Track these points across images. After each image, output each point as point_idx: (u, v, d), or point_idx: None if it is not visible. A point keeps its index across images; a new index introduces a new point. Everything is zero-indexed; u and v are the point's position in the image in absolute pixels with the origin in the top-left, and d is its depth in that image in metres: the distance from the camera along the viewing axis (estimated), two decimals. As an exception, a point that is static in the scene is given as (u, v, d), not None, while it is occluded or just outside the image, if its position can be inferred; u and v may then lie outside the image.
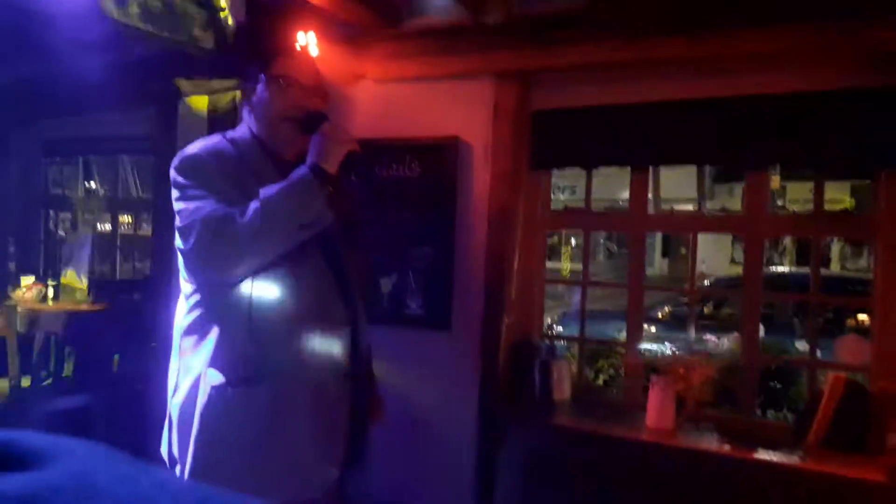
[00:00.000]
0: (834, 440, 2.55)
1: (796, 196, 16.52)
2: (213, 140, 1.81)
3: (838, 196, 14.82)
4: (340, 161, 1.71)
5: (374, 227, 3.24)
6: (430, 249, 3.18)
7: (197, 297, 1.73)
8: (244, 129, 1.85)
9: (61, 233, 5.65)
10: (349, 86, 3.36)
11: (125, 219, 5.50)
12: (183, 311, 1.77)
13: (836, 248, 16.85)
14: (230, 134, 1.85)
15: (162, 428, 1.81)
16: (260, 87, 1.81)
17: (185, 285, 1.75)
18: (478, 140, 3.09)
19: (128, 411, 3.34)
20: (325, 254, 1.76)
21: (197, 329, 1.72)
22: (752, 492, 2.45)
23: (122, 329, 3.74)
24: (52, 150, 5.19)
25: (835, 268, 15.61)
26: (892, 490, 2.25)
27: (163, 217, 3.61)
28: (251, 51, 1.99)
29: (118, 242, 5.12)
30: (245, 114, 1.86)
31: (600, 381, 4.22)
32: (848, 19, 2.39)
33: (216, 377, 1.66)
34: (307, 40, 3.02)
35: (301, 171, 1.68)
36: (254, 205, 1.61)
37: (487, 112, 3.06)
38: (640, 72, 2.85)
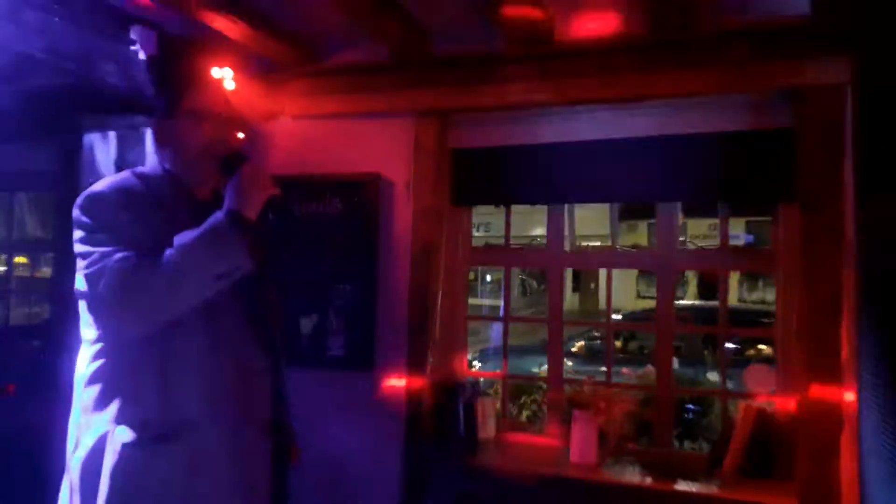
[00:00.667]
0: (748, 468, 2.64)
1: (696, 232, 17.45)
2: (122, 177, 1.70)
3: (735, 231, 15.76)
4: (261, 207, 1.63)
5: (292, 265, 3.16)
6: (351, 288, 3.12)
7: (101, 345, 1.60)
8: (155, 164, 1.75)
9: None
10: (266, 122, 3.30)
11: (21, 259, 5.13)
12: (85, 360, 1.62)
13: (733, 281, 17.83)
14: (140, 170, 1.74)
15: (58, 483, 1.65)
16: (171, 122, 1.72)
17: (88, 332, 1.62)
18: (399, 177, 3.09)
19: (23, 467, 3.07)
20: (239, 296, 1.67)
21: (101, 379, 1.59)
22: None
23: (18, 378, 3.45)
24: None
25: (733, 300, 16.50)
26: (802, 513, 2.35)
27: (64, 258, 3.40)
28: (160, 84, 1.90)
29: (13, 285, 4.76)
30: (155, 149, 1.76)
31: (524, 417, 4.23)
32: (748, 64, 2.56)
33: (126, 434, 1.53)
34: (222, 75, 2.95)
35: (218, 217, 1.57)
36: (168, 253, 1.51)
37: (408, 149, 3.06)
38: (557, 112, 2.94)
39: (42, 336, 3.77)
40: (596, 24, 2.74)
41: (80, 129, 3.27)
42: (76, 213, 1.60)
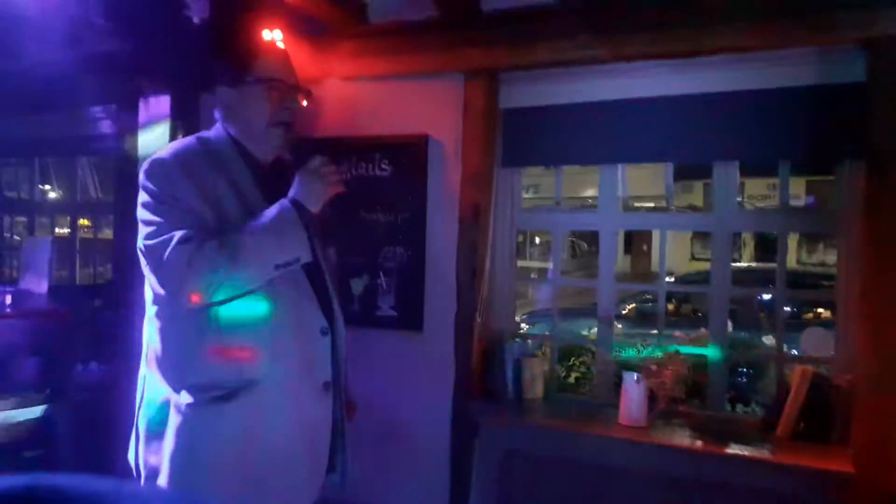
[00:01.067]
0: (802, 432, 2.59)
1: (754, 192, 16.90)
2: (186, 143, 1.72)
3: (795, 192, 15.20)
4: (325, 201, 1.67)
5: (343, 227, 3.20)
6: (401, 249, 3.15)
7: (163, 307, 1.65)
8: (220, 130, 1.76)
9: (17, 237, 5.45)
10: (315, 84, 3.31)
11: (84, 222, 5.33)
12: (150, 316, 1.69)
13: (792, 243, 17.28)
14: (204, 135, 1.76)
15: (127, 436, 1.74)
16: (237, 90, 1.71)
17: (151, 293, 1.67)
18: (448, 138, 3.07)
19: (92, 419, 3.24)
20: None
21: (164, 339, 1.64)
22: (725, 486, 2.48)
23: (83, 336, 3.62)
24: (5, 151, 5.00)
25: (792, 262, 16.02)
26: (857, 479, 2.30)
27: (125, 221, 3.52)
28: (225, 52, 1.90)
29: (77, 247, 4.96)
30: (218, 115, 1.77)
31: (572, 380, 4.23)
32: (809, 16, 2.44)
33: (187, 396, 1.59)
34: (273, 37, 2.97)
35: (284, 207, 1.60)
36: (231, 238, 1.54)
37: (457, 110, 3.04)
38: (610, 69, 2.86)
39: (105, 296, 3.93)
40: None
41: (138, 93, 3.35)
42: (141, 178, 1.63)
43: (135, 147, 3.16)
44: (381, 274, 3.19)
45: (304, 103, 1.80)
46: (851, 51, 2.49)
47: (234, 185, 1.66)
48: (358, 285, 3.24)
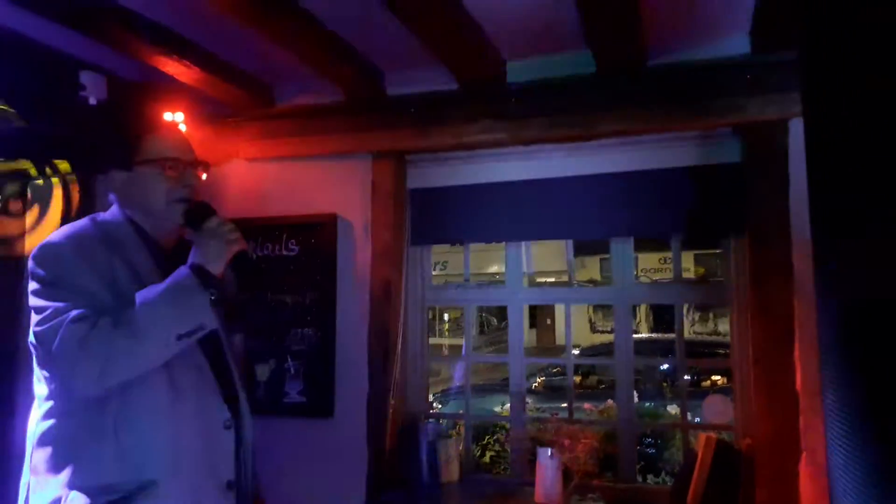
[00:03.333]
0: (710, 499, 2.65)
1: (647, 266, 17.79)
2: (80, 225, 1.64)
3: (685, 265, 16.12)
4: (227, 262, 1.59)
5: (248, 310, 3.10)
6: (309, 331, 3.07)
7: (53, 402, 1.52)
8: (116, 212, 1.68)
9: None
10: (220, 165, 3.26)
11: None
12: (36, 418, 1.54)
13: (685, 314, 18.13)
14: (101, 217, 1.68)
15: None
16: (132, 172, 1.65)
17: (40, 388, 1.54)
18: (357, 217, 3.08)
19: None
20: (202, 347, 1.61)
21: (53, 439, 1.50)
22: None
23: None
24: None
25: (687, 333, 16.77)
26: (765, 543, 2.36)
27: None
28: (117, 133, 1.85)
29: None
30: (113, 198, 1.70)
31: (487, 458, 4.19)
32: (687, 103, 2.66)
33: (80, 500, 1.44)
34: (174, 119, 2.93)
35: (182, 273, 1.52)
36: (127, 313, 1.45)
37: (365, 190, 3.06)
38: (511, 151, 2.99)
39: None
40: (542, 67, 2.81)
41: (27, 176, 3.17)
42: (31, 264, 1.53)
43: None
44: (289, 358, 3.09)
45: (203, 177, 1.75)
46: (729, 134, 2.71)
47: (132, 267, 1.58)
48: (264, 371, 3.11)
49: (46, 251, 1.54)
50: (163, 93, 2.92)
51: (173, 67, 2.67)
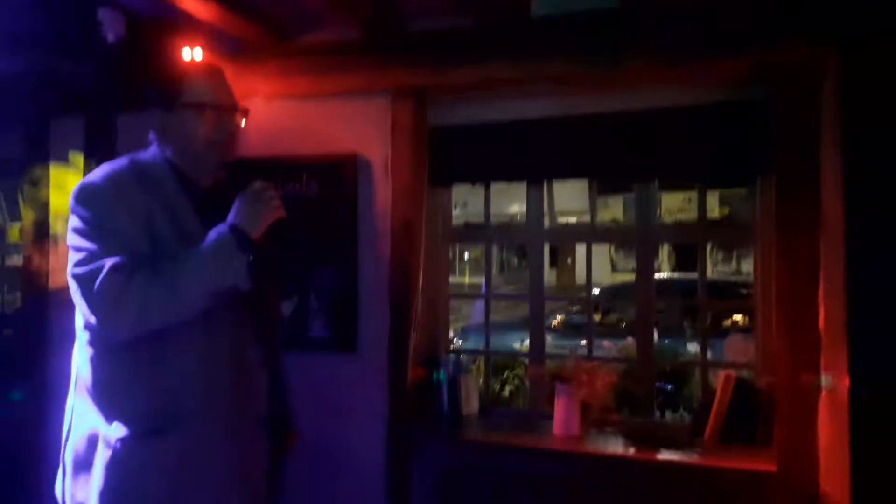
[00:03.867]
0: (728, 435, 2.69)
1: (670, 206, 17.61)
2: (119, 165, 1.65)
3: (710, 205, 15.89)
4: (266, 227, 1.62)
5: (271, 248, 3.13)
6: (332, 269, 3.10)
7: (91, 336, 1.57)
8: (155, 152, 1.70)
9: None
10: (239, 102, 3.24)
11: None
12: (78, 347, 1.61)
13: (708, 254, 18.01)
14: (139, 157, 1.70)
15: (52, 469, 1.64)
16: (172, 113, 1.67)
17: (81, 320, 1.59)
18: (377, 157, 3.06)
19: (11, 453, 3.06)
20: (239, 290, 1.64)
21: (95, 370, 1.57)
22: (659, 491, 2.55)
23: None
24: None
25: (709, 273, 16.70)
26: (780, 478, 2.41)
27: (36, 246, 3.33)
28: (153, 73, 1.84)
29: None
30: (153, 137, 1.72)
31: (506, 393, 4.27)
32: (721, 40, 2.56)
33: (119, 429, 1.51)
34: (193, 55, 2.89)
35: (222, 233, 1.55)
36: (166, 266, 1.49)
37: (385, 129, 3.03)
38: (533, 89, 2.92)
39: (15, 324, 3.72)
40: (566, 1, 2.72)
41: (48, 115, 3.18)
42: (71, 202, 1.57)
43: (46, 172, 3.00)
44: (312, 295, 3.13)
45: (242, 124, 1.76)
46: (759, 71, 2.62)
47: (169, 208, 1.60)
48: (288, 307, 3.16)
49: (86, 191, 1.57)
50: (180, 29, 2.88)
51: (190, 3, 2.63)
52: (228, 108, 1.71)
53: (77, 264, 1.50)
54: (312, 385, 3.01)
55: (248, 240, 1.57)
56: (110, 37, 2.68)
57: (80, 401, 1.59)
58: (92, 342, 1.57)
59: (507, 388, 4.33)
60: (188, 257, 1.52)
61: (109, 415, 1.53)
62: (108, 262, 1.46)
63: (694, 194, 3.01)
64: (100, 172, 1.62)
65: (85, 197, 1.56)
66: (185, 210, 1.63)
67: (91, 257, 1.48)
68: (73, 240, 1.54)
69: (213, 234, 1.55)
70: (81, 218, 1.54)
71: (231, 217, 1.59)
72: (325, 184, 3.13)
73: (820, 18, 2.38)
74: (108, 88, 2.90)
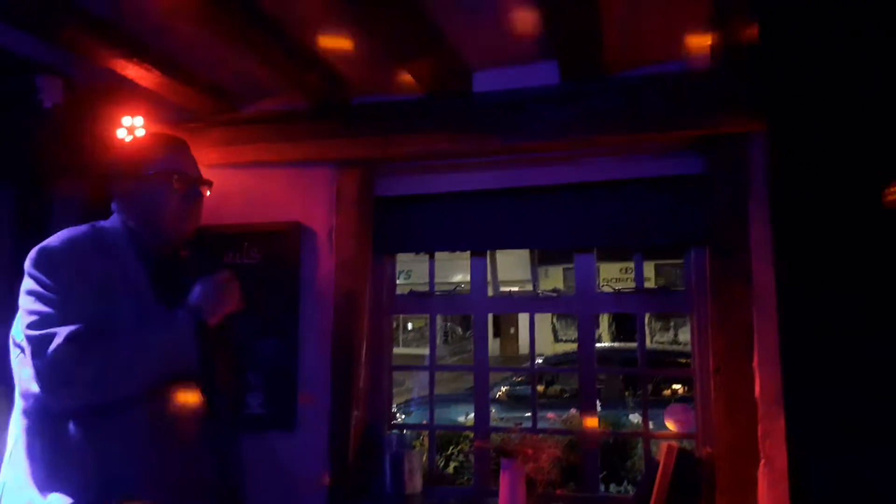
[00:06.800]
0: (673, 507, 2.68)
1: (609, 275, 18.05)
2: (78, 231, 1.63)
3: (646, 275, 16.37)
4: (223, 317, 1.64)
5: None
6: (272, 342, 3.01)
7: (31, 407, 1.51)
8: (115, 220, 1.69)
9: None
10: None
11: None
12: (17, 415, 1.53)
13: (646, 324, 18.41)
14: (101, 223, 1.69)
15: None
16: (137, 183, 1.67)
17: (21, 387, 1.53)
18: (321, 226, 3.04)
19: None
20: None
21: (32, 440, 1.49)
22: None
23: None
24: None
25: (648, 342, 17.04)
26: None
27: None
28: (123, 146, 1.87)
29: None
30: (115, 206, 1.71)
31: (451, 469, 4.17)
32: (659, 113, 2.69)
33: (59, 501, 1.43)
34: (133, 123, 2.86)
35: (181, 317, 1.55)
36: (119, 342, 1.47)
37: (330, 198, 3.03)
38: (477, 161, 2.99)
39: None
40: (510, 76, 2.83)
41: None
42: (27, 265, 1.53)
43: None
44: (250, 369, 3.03)
45: (207, 194, 1.78)
46: (692, 146, 2.76)
47: (126, 276, 1.58)
48: (224, 382, 3.04)
49: (43, 254, 1.54)
50: (122, 97, 2.85)
51: (133, 71, 2.62)
52: (195, 179, 1.73)
53: (31, 326, 1.46)
54: (249, 465, 2.88)
55: (205, 326, 1.58)
56: (46, 102, 2.62)
57: (13, 474, 1.50)
58: (29, 411, 1.51)
59: (452, 465, 4.23)
60: (144, 335, 1.51)
61: (46, 487, 1.45)
62: (64, 332, 1.43)
63: (630, 265, 3.09)
64: (58, 237, 1.60)
65: (42, 260, 1.53)
66: (142, 279, 1.61)
67: (44, 321, 1.45)
68: (26, 302, 1.50)
69: (170, 317, 1.55)
70: (37, 281, 1.50)
71: (193, 299, 1.60)
72: (268, 253, 3.09)
73: (750, 98, 2.53)
74: (40, 159, 2.78)
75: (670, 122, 2.67)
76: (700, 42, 2.58)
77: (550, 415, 4.30)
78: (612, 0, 2.18)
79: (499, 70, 2.84)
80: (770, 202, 1.30)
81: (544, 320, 17.81)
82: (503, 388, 8.66)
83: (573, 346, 3.35)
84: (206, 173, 3.13)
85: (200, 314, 1.58)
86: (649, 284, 15.66)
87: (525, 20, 2.39)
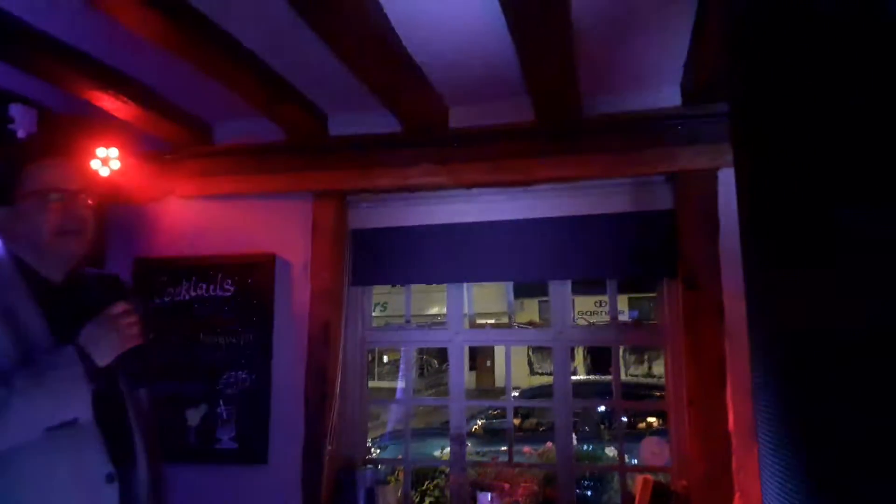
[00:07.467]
0: (648, 541, 2.66)
1: (583, 308, 18.11)
2: None
3: (620, 308, 16.45)
4: (117, 355, 1.49)
5: (179, 352, 2.99)
6: (244, 374, 2.97)
7: None
8: (2, 250, 1.55)
9: None
10: (155, 202, 3.18)
11: None
12: None
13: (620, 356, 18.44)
14: None
15: None
16: (11, 207, 1.54)
17: None
18: (296, 257, 3.03)
19: None
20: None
21: None
22: None
23: None
24: None
25: (622, 375, 17.04)
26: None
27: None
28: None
29: None
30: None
31: (426, 504, 4.11)
32: (626, 151, 2.75)
33: None
34: (108, 155, 2.85)
35: (69, 358, 1.41)
36: (2, 391, 1.33)
37: (305, 229, 3.03)
38: (452, 194, 3.01)
39: None
40: (483, 113, 2.87)
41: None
42: None
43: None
44: (222, 402, 2.98)
45: (90, 203, 1.63)
46: (662, 181, 2.82)
47: (11, 311, 1.45)
48: (195, 416, 2.99)
49: None
50: (97, 127, 2.84)
51: (109, 102, 2.61)
52: (74, 194, 1.58)
53: None
54: (219, 500, 2.82)
55: (94, 368, 1.44)
56: (20, 132, 2.60)
57: None
58: None
59: (427, 500, 4.16)
60: (24, 386, 1.35)
61: None
62: None
63: (604, 298, 3.12)
64: None
65: None
66: (29, 311, 1.48)
67: None
68: None
69: (56, 358, 1.42)
70: None
71: (80, 339, 1.45)
72: (242, 284, 3.07)
73: (719, 136, 2.60)
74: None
75: (640, 158, 2.73)
76: (670, 83, 2.66)
77: (527, 448, 4.27)
78: (585, 46, 2.24)
79: (474, 106, 2.88)
80: (741, 239, 1.33)
81: (520, 353, 17.78)
82: (479, 422, 8.58)
83: (549, 379, 3.38)
84: (181, 204, 3.16)
85: (88, 352, 1.44)
86: (624, 318, 15.77)
87: (500, 66, 2.44)
